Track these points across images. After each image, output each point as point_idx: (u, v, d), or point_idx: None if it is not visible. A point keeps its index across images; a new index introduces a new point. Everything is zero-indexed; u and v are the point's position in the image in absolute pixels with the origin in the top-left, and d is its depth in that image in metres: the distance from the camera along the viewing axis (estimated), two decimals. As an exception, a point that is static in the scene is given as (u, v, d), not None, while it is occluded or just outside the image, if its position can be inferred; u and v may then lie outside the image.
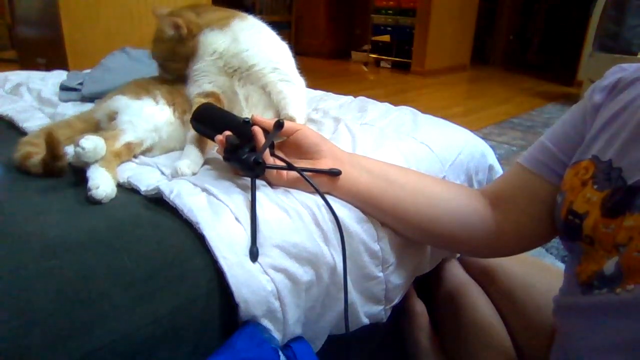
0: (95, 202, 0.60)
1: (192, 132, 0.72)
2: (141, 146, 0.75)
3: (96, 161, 0.65)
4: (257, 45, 0.80)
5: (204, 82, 0.79)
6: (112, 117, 0.77)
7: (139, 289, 0.47)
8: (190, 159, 0.68)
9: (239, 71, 0.79)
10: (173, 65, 0.82)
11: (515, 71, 5.57)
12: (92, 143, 0.64)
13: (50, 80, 1.26)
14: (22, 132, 0.86)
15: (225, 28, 0.80)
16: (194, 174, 0.67)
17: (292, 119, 0.78)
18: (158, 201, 0.60)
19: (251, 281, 0.51)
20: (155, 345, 0.46)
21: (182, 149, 0.75)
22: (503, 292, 0.79)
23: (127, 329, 0.44)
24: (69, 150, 0.68)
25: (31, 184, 0.66)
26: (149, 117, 0.76)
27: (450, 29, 5.07)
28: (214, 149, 0.75)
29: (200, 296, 0.50)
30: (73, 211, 0.59)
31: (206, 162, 0.72)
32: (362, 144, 0.80)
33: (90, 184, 0.61)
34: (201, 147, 0.71)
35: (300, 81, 0.87)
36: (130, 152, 0.74)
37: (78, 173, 0.67)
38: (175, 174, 0.66)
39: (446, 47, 5.12)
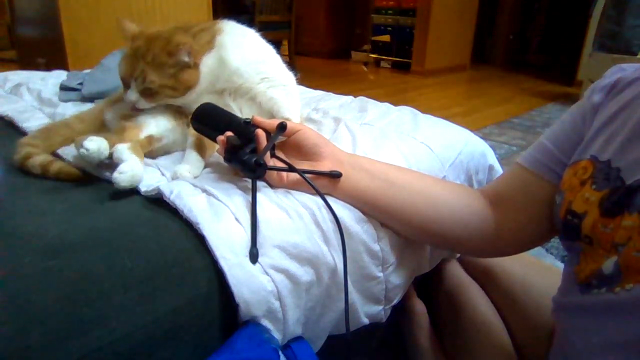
0: (122, 188, 0.61)
1: (192, 138, 0.72)
2: (160, 142, 0.75)
3: (100, 161, 0.65)
4: (243, 61, 0.78)
5: (142, 123, 0.77)
6: (128, 115, 0.76)
7: (139, 289, 0.47)
8: (190, 164, 0.68)
9: (228, 89, 0.79)
10: (169, 92, 0.74)
11: (515, 71, 5.57)
12: (95, 144, 0.64)
13: (50, 80, 1.26)
14: (22, 132, 0.86)
15: (212, 50, 0.77)
16: (194, 178, 0.67)
17: (287, 121, 0.78)
18: (158, 201, 0.60)
19: (251, 281, 0.52)
20: (155, 345, 0.46)
21: (181, 150, 0.75)
22: (503, 292, 0.79)
23: (127, 329, 0.44)
24: (70, 150, 0.68)
25: (31, 184, 0.66)
26: (168, 116, 0.77)
27: (450, 29, 5.06)
28: (214, 153, 0.76)
29: (200, 296, 0.50)
30: (73, 211, 0.59)
31: (206, 164, 0.72)
32: (362, 144, 0.80)
33: (120, 168, 0.61)
34: (201, 152, 0.71)
35: (289, 78, 0.86)
36: (150, 145, 0.73)
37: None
38: (176, 178, 0.66)
39: (446, 47, 5.12)
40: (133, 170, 0.63)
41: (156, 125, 0.74)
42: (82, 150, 0.63)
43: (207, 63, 0.76)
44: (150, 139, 0.73)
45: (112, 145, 0.70)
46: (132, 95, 0.74)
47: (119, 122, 0.77)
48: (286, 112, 0.81)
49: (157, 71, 0.72)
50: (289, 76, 0.86)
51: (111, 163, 0.66)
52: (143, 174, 0.64)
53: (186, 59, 0.72)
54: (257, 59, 0.81)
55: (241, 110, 0.80)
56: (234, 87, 0.79)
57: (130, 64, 0.74)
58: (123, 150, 0.65)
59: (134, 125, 0.72)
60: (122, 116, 0.78)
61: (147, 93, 0.74)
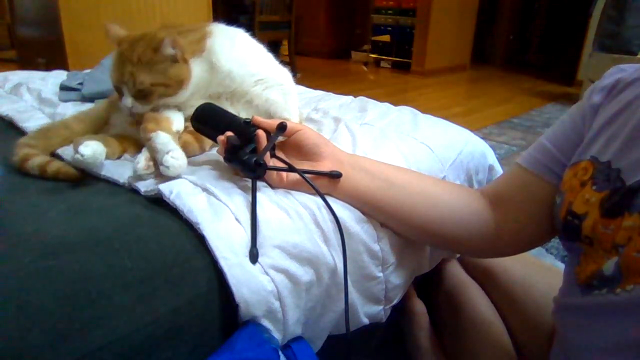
0: (170, 173, 0.62)
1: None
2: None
3: (95, 167, 0.65)
4: (235, 64, 0.77)
5: (170, 116, 0.76)
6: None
7: (139, 289, 0.47)
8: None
9: (223, 94, 0.78)
10: (162, 91, 0.72)
11: (515, 71, 5.57)
12: (90, 149, 0.64)
13: (50, 80, 1.26)
14: (22, 132, 0.86)
15: (203, 53, 0.75)
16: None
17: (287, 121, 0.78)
18: (158, 201, 0.60)
19: (251, 281, 0.52)
20: (155, 345, 0.46)
21: None
22: (503, 292, 0.79)
23: (127, 329, 0.44)
24: (70, 151, 0.68)
25: (31, 184, 0.66)
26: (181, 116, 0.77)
27: (450, 29, 5.07)
28: (214, 152, 0.76)
29: (200, 296, 0.50)
30: (73, 211, 0.59)
31: (207, 162, 0.72)
32: (362, 144, 0.80)
33: (174, 154, 0.62)
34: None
35: (284, 77, 0.84)
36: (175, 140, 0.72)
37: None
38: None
39: (446, 47, 5.12)
40: (184, 160, 0.64)
41: (179, 122, 0.73)
42: (77, 156, 0.63)
43: (198, 66, 0.74)
44: (177, 134, 0.72)
45: (109, 147, 0.70)
46: (127, 100, 0.72)
47: (131, 118, 0.76)
48: (284, 113, 0.80)
49: (146, 70, 0.70)
50: (284, 74, 0.85)
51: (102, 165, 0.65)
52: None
53: (171, 51, 0.70)
54: (249, 61, 0.80)
55: (239, 114, 0.80)
56: (229, 91, 0.78)
57: (118, 69, 0.72)
58: (169, 139, 0.65)
59: (165, 117, 0.71)
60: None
61: (141, 95, 0.71)
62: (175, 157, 0.63)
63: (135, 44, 0.71)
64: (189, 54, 0.73)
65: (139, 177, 0.65)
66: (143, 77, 0.70)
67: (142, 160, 0.65)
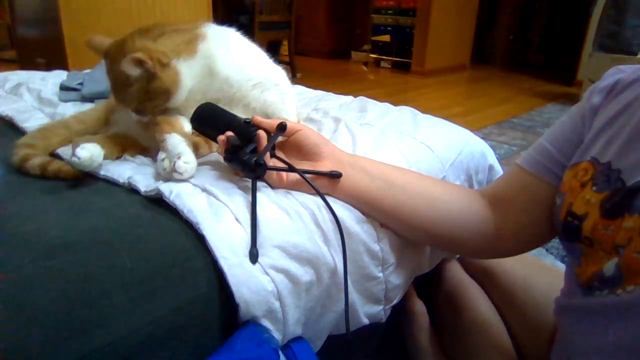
0: (180, 177, 0.62)
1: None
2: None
3: (93, 168, 0.65)
4: (233, 69, 0.75)
5: (180, 118, 0.74)
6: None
7: (139, 289, 0.47)
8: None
9: (222, 99, 0.77)
10: (151, 104, 0.69)
11: (515, 71, 5.57)
12: (87, 152, 0.64)
13: (50, 80, 1.26)
14: (22, 132, 0.86)
15: (194, 54, 0.71)
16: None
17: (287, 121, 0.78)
18: (158, 201, 0.60)
19: (251, 281, 0.52)
20: (155, 345, 0.46)
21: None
22: (503, 292, 0.79)
23: (127, 329, 0.44)
24: (68, 151, 0.68)
25: (31, 184, 0.66)
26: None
27: (450, 28, 5.07)
28: (214, 152, 0.75)
29: (200, 296, 0.50)
30: (73, 211, 0.59)
31: (206, 162, 0.72)
32: (362, 144, 0.80)
33: (186, 158, 0.63)
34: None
35: (280, 76, 0.82)
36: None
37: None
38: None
39: (446, 47, 5.12)
40: (195, 162, 0.64)
41: (188, 125, 0.73)
42: (74, 158, 0.63)
43: (190, 69, 0.71)
44: (189, 135, 0.71)
45: (107, 148, 0.70)
46: (133, 115, 0.72)
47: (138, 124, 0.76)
48: (282, 113, 0.79)
49: (127, 93, 0.68)
50: (279, 74, 0.83)
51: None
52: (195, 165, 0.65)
53: (135, 71, 0.65)
54: (245, 64, 0.78)
55: None
56: (228, 96, 0.77)
57: (113, 91, 0.72)
58: (180, 140, 0.65)
59: (177, 119, 0.71)
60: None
61: (137, 111, 0.71)
62: (187, 162, 0.63)
63: (113, 62, 0.68)
64: (172, 55, 0.69)
65: (168, 175, 0.64)
66: (128, 100, 0.69)
67: (167, 160, 0.64)
